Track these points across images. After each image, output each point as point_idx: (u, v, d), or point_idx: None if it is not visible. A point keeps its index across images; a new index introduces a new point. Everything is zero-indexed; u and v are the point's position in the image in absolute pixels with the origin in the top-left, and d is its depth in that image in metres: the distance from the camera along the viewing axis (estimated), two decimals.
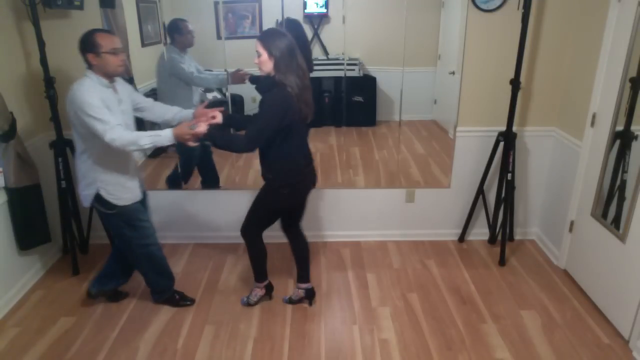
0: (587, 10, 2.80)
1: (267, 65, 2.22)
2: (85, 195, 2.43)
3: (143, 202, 2.62)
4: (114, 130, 2.18)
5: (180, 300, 2.79)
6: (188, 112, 2.61)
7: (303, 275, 2.73)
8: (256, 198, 2.52)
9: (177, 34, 3.14)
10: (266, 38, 2.22)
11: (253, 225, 2.58)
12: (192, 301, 2.81)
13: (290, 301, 2.78)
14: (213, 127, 2.31)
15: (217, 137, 2.28)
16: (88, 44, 2.23)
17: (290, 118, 2.24)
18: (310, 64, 3.22)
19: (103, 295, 2.80)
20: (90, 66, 2.27)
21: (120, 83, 2.44)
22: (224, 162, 3.50)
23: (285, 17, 3.19)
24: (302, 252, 2.71)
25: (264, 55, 2.20)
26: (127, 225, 2.51)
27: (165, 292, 2.77)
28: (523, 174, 3.33)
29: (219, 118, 2.45)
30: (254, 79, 2.41)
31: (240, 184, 3.44)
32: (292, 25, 3.04)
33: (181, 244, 3.48)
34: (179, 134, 2.23)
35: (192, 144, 2.22)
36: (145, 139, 2.21)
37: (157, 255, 2.64)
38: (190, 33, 3.17)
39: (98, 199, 2.41)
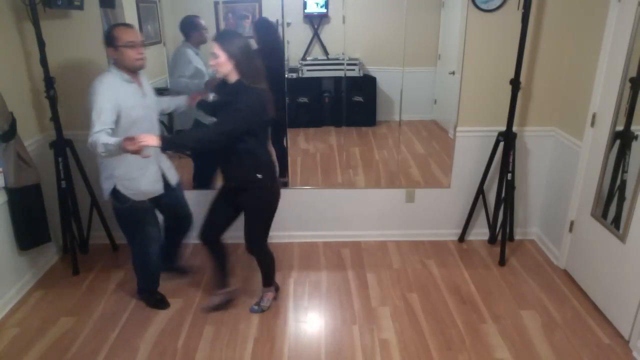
0: (587, 10, 2.80)
1: (225, 66, 2.19)
2: (105, 189, 2.45)
3: (169, 196, 2.63)
4: (94, 136, 2.15)
5: (158, 303, 2.78)
6: (180, 99, 2.62)
7: (225, 281, 2.71)
8: (251, 210, 2.46)
9: (194, 30, 3.12)
10: (223, 39, 2.19)
11: (260, 238, 2.56)
12: (167, 306, 2.78)
13: (210, 309, 2.71)
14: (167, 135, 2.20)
15: (175, 140, 2.13)
16: (108, 38, 2.27)
17: (267, 115, 2.25)
18: (283, 62, 3.25)
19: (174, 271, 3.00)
20: (113, 61, 2.30)
21: (145, 76, 2.47)
22: None
23: (260, 17, 3.21)
24: (226, 259, 2.69)
25: (222, 56, 2.17)
26: (133, 223, 2.54)
27: (144, 293, 2.81)
28: (523, 174, 3.33)
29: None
30: (220, 87, 2.37)
31: None
32: (264, 24, 3.07)
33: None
34: (122, 146, 2.08)
35: (144, 155, 2.09)
36: (101, 147, 2.12)
37: (152, 261, 2.66)
38: (205, 29, 3.16)
39: (114, 192, 2.42)
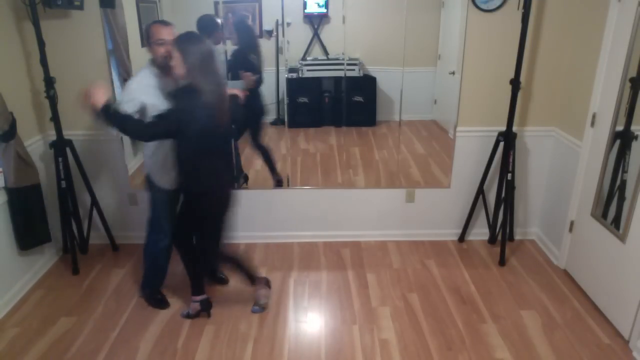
0: (587, 10, 2.80)
1: (179, 68, 2.19)
2: (144, 172, 2.59)
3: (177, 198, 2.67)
4: None
5: (158, 303, 2.79)
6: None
7: (200, 286, 2.67)
8: (191, 208, 2.47)
9: (217, 29, 3.12)
10: (181, 42, 2.19)
11: (199, 233, 2.57)
12: (167, 306, 2.78)
13: (189, 316, 2.68)
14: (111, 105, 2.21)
15: (108, 112, 2.16)
16: (145, 35, 2.36)
17: (210, 124, 2.23)
18: (259, 63, 3.28)
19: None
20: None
21: None
22: None
23: (238, 17, 3.23)
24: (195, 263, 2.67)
25: (177, 58, 2.17)
26: (154, 209, 2.62)
27: (146, 290, 2.83)
28: (523, 174, 3.33)
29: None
30: (173, 91, 2.38)
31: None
32: (242, 25, 3.08)
33: None
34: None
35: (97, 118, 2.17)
36: None
37: (158, 252, 2.68)
38: (222, 29, 3.17)
39: (147, 178, 2.57)
